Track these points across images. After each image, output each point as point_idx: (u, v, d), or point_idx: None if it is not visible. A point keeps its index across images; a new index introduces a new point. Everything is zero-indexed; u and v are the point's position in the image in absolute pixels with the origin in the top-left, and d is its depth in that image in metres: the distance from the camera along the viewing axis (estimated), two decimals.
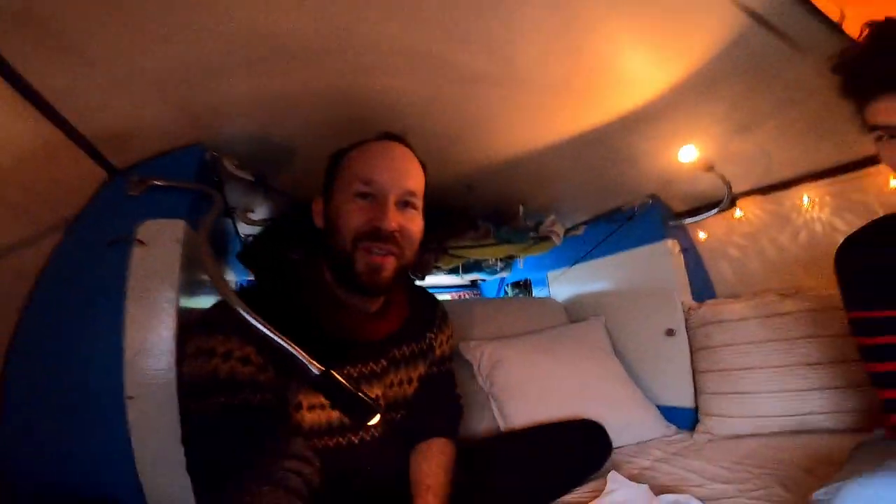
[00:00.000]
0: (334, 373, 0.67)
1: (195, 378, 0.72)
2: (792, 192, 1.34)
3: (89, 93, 0.71)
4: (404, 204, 0.80)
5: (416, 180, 0.82)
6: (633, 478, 0.99)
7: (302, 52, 0.77)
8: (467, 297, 2.32)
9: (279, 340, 0.66)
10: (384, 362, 0.90)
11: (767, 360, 1.27)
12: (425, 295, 1.09)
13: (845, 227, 1.26)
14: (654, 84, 0.97)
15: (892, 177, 1.13)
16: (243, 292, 0.84)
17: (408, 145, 0.85)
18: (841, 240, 1.25)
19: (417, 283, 1.58)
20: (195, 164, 0.94)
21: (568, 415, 1.25)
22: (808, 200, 1.31)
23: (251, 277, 1.70)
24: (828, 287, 1.25)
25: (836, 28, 0.81)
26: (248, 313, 0.67)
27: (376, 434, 0.90)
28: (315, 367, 0.66)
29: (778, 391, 1.24)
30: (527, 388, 1.37)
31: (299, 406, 0.80)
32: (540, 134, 1.16)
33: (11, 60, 0.59)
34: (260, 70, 0.80)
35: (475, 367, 1.46)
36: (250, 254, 1.07)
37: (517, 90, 0.95)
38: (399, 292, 0.93)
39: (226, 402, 0.69)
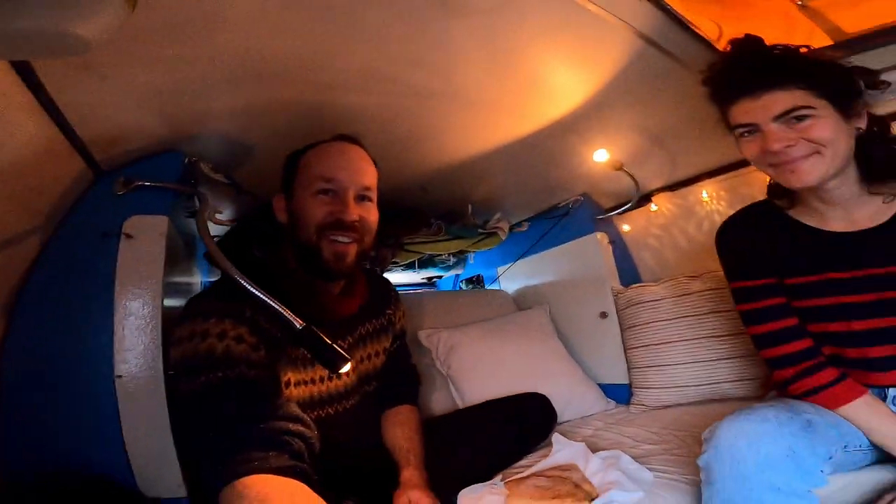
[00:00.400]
0: (313, 328, 0.78)
1: (191, 358, 0.78)
2: (694, 188, 1.57)
3: (93, 101, 0.81)
4: (361, 198, 0.93)
5: (370, 177, 0.95)
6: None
7: (275, 71, 0.89)
8: (423, 292, 2.47)
9: (270, 301, 0.77)
10: (352, 339, 1.03)
11: (681, 334, 1.48)
12: (379, 277, 1.24)
13: None
14: (572, 97, 1.16)
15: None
16: (214, 286, 0.91)
17: (362, 146, 0.98)
18: None
19: None
20: (175, 168, 1.04)
21: (518, 391, 1.38)
22: (707, 195, 1.55)
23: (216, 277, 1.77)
24: None
25: (711, 46, 1.01)
26: (245, 280, 0.78)
27: (352, 405, 1.02)
28: (298, 323, 0.78)
29: (691, 362, 1.45)
30: (480, 369, 1.52)
31: (287, 383, 0.90)
32: (483, 141, 1.33)
33: (39, 72, 0.69)
34: (237, 86, 0.91)
35: (433, 353, 1.61)
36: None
37: (461, 104, 1.11)
38: (359, 275, 1.05)
39: (224, 377, 0.76)
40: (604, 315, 1.70)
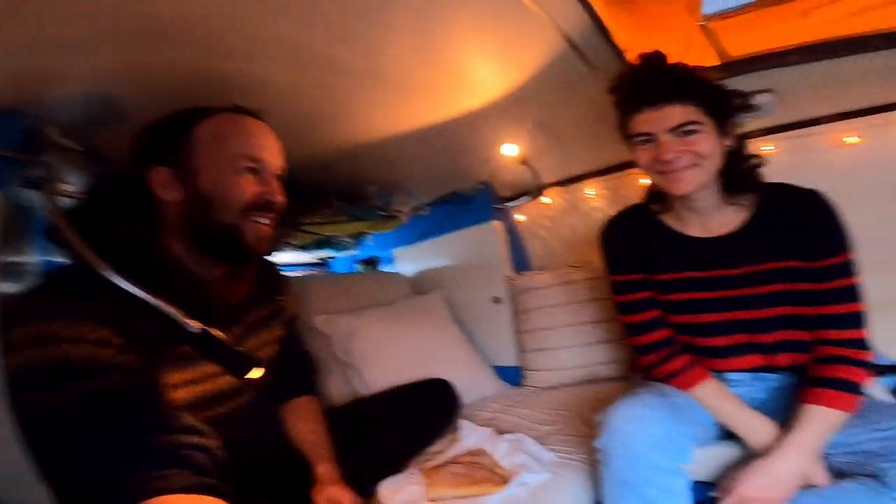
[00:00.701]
0: (211, 330, 0.69)
1: (39, 367, 0.64)
2: (581, 185, 1.72)
3: None
4: (278, 178, 0.86)
5: (283, 157, 0.88)
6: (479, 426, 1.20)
7: (165, 31, 0.76)
8: (316, 274, 2.34)
9: (156, 302, 0.66)
10: (238, 330, 0.92)
11: (564, 319, 1.63)
12: (265, 261, 1.11)
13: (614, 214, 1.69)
14: (492, 90, 1.18)
15: (641, 176, 1.57)
16: (61, 274, 0.75)
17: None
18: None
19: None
20: (14, 132, 0.82)
21: (419, 377, 1.39)
22: (592, 193, 1.72)
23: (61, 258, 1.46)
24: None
25: (622, 56, 1.09)
26: (118, 278, 0.64)
27: (246, 401, 0.93)
28: (192, 326, 0.68)
29: (573, 346, 1.61)
30: (382, 356, 1.50)
31: (171, 387, 0.78)
32: (394, 124, 1.28)
33: None
34: (119, 44, 0.75)
35: (331, 339, 1.54)
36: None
37: (381, 85, 1.05)
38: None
39: (93, 388, 0.64)
40: (497, 300, 1.80)
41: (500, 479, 0.91)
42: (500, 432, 1.16)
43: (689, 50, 1.15)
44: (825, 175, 1.06)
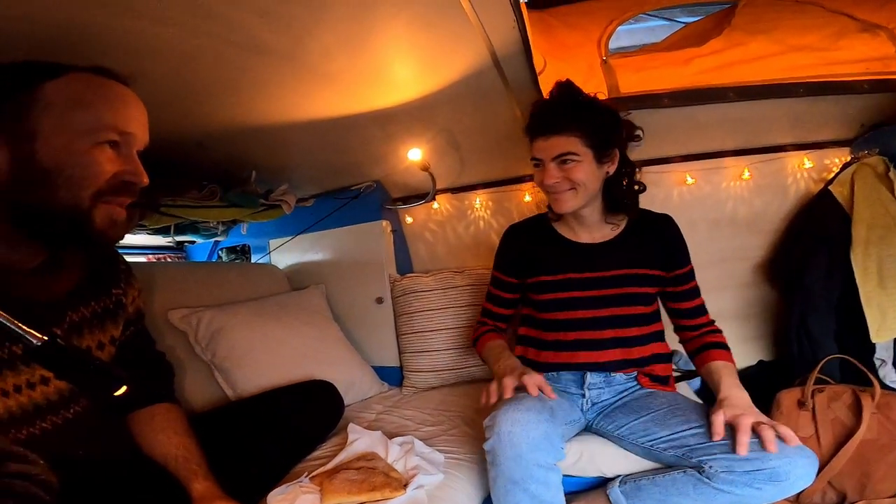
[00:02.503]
0: (62, 340, 0.57)
1: None
2: (471, 195, 1.81)
3: None
4: (139, 155, 0.74)
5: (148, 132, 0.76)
6: (365, 428, 1.17)
7: None
8: (170, 259, 2.02)
9: None
10: (58, 331, 0.77)
11: (445, 323, 1.68)
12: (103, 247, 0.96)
13: (497, 225, 1.81)
14: (409, 91, 1.16)
15: (527, 193, 1.72)
16: None
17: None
18: (492, 234, 1.80)
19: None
20: None
21: (297, 378, 1.33)
22: (479, 202, 1.82)
23: None
24: (485, 266, 1.78)
25: (534, 78, 1.17)
26: None
27: (75, 412, 0.78)
28: (35, 337, 0.55)
29: (451, 349, 1.66)
30: (254, 355, 1.37)
31: None
32: (298, 110, 1.18)
33: None
34: None
35: (191, 337, 1.36)
36: None
37: (294, 68, 0.97)
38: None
39: None
40: (380, 300, 1.78)
41: (398, 482, 0.91)
42: (387, 433, 1.15)
43: (590, 80, 1.29)
44: (666, 208, 1.27)
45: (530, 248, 1.23)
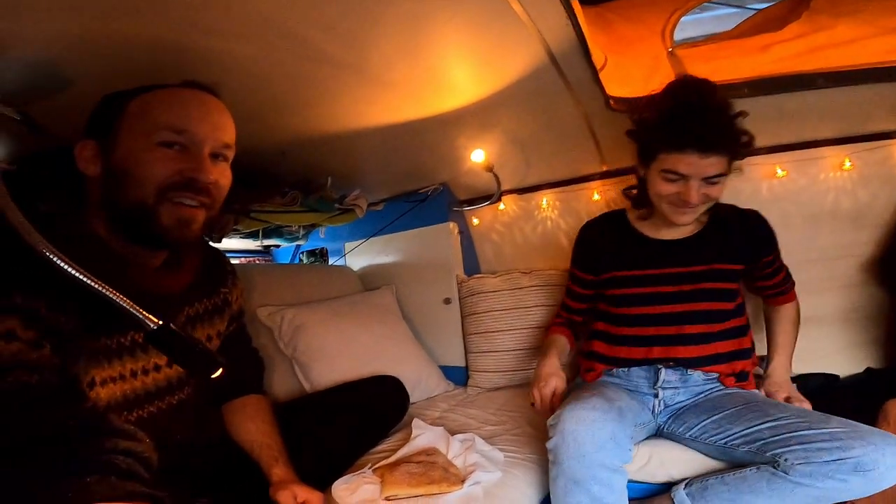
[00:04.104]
0: (173, 325, 0.64)
1: None
2: (537, 195, 1.79)
3: None
4: (216, 156, 0.78)
5: (231, 134, 0.80)
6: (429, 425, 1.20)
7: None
8: (258, 262, 2.22)
9: (109, 294, 0.58)
10: (178, 323, 0.87)
11: (512, 324, 1.67)
12: (213, 250, 1.06)
13: (565, 226, 1.77)
14: (468, 94, 1.19)
15: (595, 192, 1.66)
16: None
17: (219, 98, 0.82)
18: (560, 235, 1.77)
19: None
20: None
21: (367, 374, 1.39)
22: (546, 202, 1.79)
23: None
24: (553, 267, 1.76)
25: (595, 75, 1.14)
26: (63, 260, 0.56)
27: (179, 399, 0.87)
28: (152, 321, 0.62)
29: (518, 349, 1.65)
30: (329, 351, 1.46)
31: (91, 383, 0.72)
32: (366, 118, 1.26)
33: None
34: (77, 12, 0.69)
35: (276, 333, 1.48)
36: None
37: (358, 77, 1.03)
38: (193, 245, 0.90)
39: None
40: (447, 301, 1.82)
41: (456, 478, 0.92)
42: (450, 430, 1.18)
43: (654, 74, 1.23)
44: (755, 202, 1.20)
45: (607, 244, 1.22)
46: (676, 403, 1.09)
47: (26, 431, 0.56)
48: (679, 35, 1.33)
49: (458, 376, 1.76)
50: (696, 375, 1.09)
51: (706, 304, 1.10)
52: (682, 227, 1.13)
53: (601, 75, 1.13)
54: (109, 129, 0.73)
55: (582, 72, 1.11)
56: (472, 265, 1.95)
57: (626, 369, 1.14)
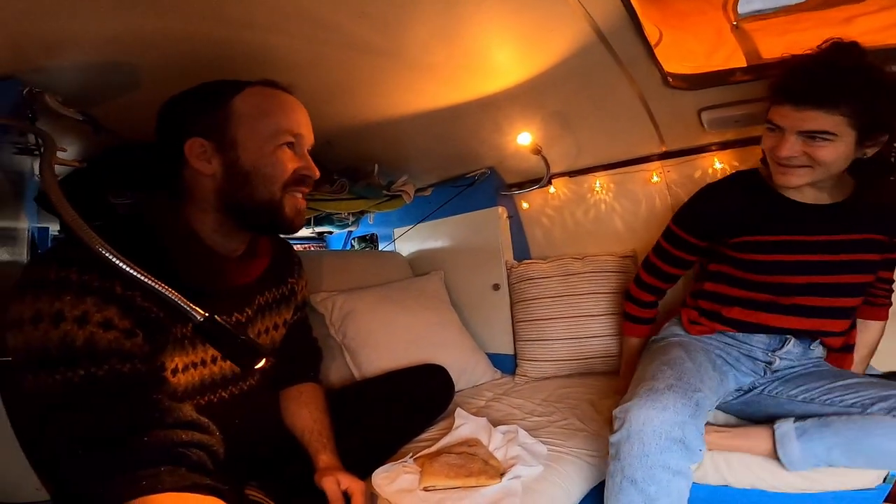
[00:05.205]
0: (218, 317, 0.67)
1: (39, 348, 0.61)
2: (589, 178, 1.70)
3: None
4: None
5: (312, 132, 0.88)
6: (473, 415, 1.20)
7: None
8: (313, 248, 2.31)
9: (157, 287, 0.62)
10: (250, 311, 0.91)
11: (563, 311, 1.62)
12: (282, 241, 1.10)
13: (620, 209, 1.67)
14: (510, 76, 1.14)
15: (654, 173, 1.55)
16: (65, 245, 0.70)
17: None
18: (615, 218, 1.67)
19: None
20: (9, 99, 0.79)
21: (414, 361, 1.41)
22: (600, 185, 1.70)
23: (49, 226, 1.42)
24: (608, 252, 1.67)
25: (650, 51, 1.06)
26: (120, 259, 0.60)
27: (249, 385, 0.92)
28: (198, 314, 0.65)
29: (569, 338, 1.60)
30: (377, 338, 1.49)
31: (175, 370, 0.77)
32: (407, 103, 1.24)
33: None
34: (124, 11, 0.72)
35: (327, 319, 1.53)
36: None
37: (398, 63, 1.01)
38: (264, 236, 0.94)
39: (87, 374, 0.62)
40: (496, 287, 1.79)
41: (495, 471, 0.92)
42: (493, 421, 1.17)
43: (717, 49, 1.11)
44: None
45: (741, 206, 1.08)
46: (786, 369, 1.08)
47: (114, 420, 0.61)
48: (745, 7, 1.18)
49: (506, 364, 1.74)
50: (819, 348, 1.08)
51: (853, 277, 1.02)
52: (832, 191, 1.03)
53: (656, 51, 1.03)
54: (218, 127, 0.77)
55: (634, 48, 1.02)
56: (521, 250, 1.90)
57: (746, 334, 1.09)
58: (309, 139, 0.85)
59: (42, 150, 0.76)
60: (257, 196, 0.79)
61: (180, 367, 0.78)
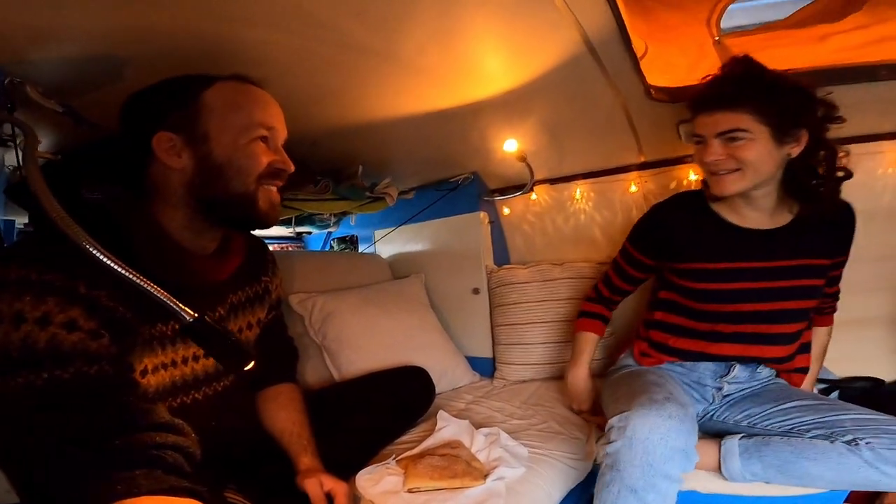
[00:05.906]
0: (208, 318, 0.65)
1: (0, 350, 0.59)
2: (570, 185, 1.74)
3: None
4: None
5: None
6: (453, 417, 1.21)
7: None
8: (291, 249, 2.27)
9: (146, 286, 0.60)
10: (222, 310, 0.89)
11: (541, 316, 1.65)
12: (256, 239, 1.08)
13: (599, 218, 1.72)
14: (503, 81, 1.15)
15: (632, 183, 1.60)
16: (29, 242, 0.69)
17: None
18: (594, 227, 1.71)
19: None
20: None
21: (394, 363, 1.41)
22: (580, 193, 1.74)
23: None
24: (586, 259, 1.71)
25: (635, 64, 1.09)
26: (103, 254, 0.58)
27: (223, 386, 0.90)
28: (187, 314, 0.64)
29: (547, 343, 1.63)
30: (358, 340, 1.48)
31: (143, 371, 0.75)
32: (397, 106, 1.24)
33: None
34: (113, 4, 0.70)
35: (307, 320, 1.51)
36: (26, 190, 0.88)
37: (391, 66, 1.01)
38: (237, 233, 0.92)
39: (51, 377, 0.59)
40: (476, 291, 1.81)
41: (478, 472, 0.92)
42: (474, 423, 1.18)
43: (699, 63, 1.16)
44: None
45: (684, 230, 1.11)
46: (733, 393, 1.11)
47: (82, 423, 0.59)
48: (727, 23, 1.24)
49: (485, 368, 1.75)
50: (766, 370, 1.11)
51: (794, 303, 1.05)
52: (773, 215, 1.05)
53: (641, 64, 1.07)
54: (188, 121, 0.75)
55: (621, 60, 1.05)
56: (501, 255, 1.93)
57: (693, 363, 1.12)
58: (282, 133, 0.83)
59: (24, 142, 0.72)
60: (231, 189, 0.77)
61: (150, 368, 0.76)
